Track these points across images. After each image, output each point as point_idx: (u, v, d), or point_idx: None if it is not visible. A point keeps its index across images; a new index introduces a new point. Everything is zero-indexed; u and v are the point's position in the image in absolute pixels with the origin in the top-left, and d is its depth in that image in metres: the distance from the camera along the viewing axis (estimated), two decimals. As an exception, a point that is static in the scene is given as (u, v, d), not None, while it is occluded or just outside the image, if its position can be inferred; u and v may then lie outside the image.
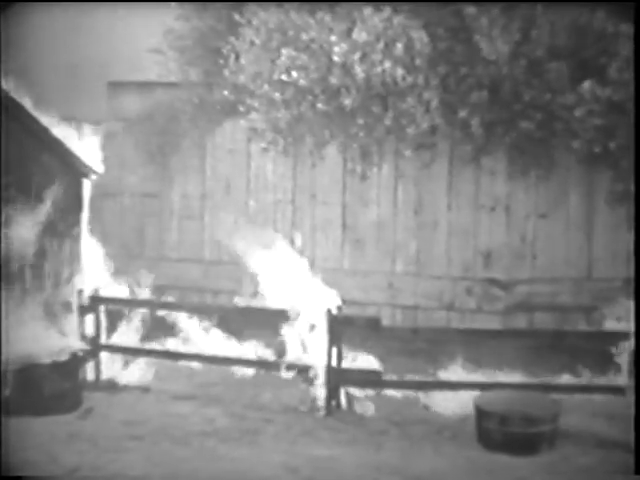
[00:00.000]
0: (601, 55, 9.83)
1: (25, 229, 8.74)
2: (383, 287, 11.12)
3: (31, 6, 12.44)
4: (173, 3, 11.77)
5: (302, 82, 10.57)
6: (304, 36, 10.62)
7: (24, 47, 12.26)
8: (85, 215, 9.98)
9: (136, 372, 9.50)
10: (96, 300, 9.51)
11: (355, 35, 10.34)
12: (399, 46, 10.19)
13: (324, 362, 8.61)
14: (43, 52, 12.44)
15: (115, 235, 11.41)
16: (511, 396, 7.89)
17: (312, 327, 8.82)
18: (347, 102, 10.47)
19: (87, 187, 10.02)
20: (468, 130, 10.21)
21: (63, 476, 6.68)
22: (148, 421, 8.22)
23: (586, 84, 9.62)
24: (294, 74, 10.57)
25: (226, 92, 11.30)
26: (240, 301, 9.54)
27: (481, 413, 7.72)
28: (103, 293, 9.58)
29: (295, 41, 10.66)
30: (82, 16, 12.39)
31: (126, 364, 9.62)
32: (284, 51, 10.63)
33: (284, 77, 10.64)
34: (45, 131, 9.29)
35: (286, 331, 8.95)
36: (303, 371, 8.76)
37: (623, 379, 7.83)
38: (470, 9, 9.97)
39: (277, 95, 10.80)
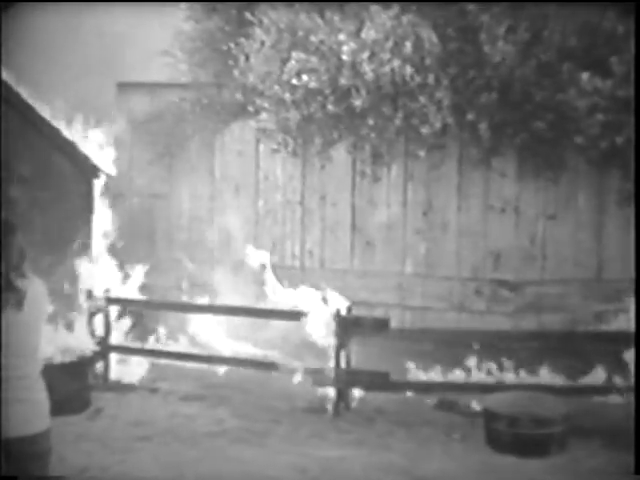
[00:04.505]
0: (612, 54, 9.79)
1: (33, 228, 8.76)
2: (392, 288, 11.10)
3: (35, 6, 12.47)
4: (182, 4, 11.80)
5: (313, 84, 10.57)
6: (313, 38, 10.63)
7: (30, 47, 12.29)
8: (95, 215, 10.01)
9: (143, 373, 9.52)
10: (105, 301, 9.52)
11: (364, 34, 10.34)
12: (408, 45, 10.17)
13: (333, 363, 8.60)
14: (49, 52, 12.46)
15: (124, 235, 11.43)
16: (520, 397, 7.86)
17: (321, 328, 8.81)
18: (357, 103, 10.47)
19: (97, 188, 10.05)
20: (477, 132, 10.20)
21: (71, 476, 6.69)
22: (156, 422, 8.23)
23: (584, 75, 9.57)
24: (304, 77, 10.57)
25: (238, 95, 11.31)
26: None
27: (490, 414, 7.69)
28: (112, 294, 9.60)
29: (305, 43, 10.66)
30: (88, 16, 12.41)
31: (134, 365, 9.65)
32: (294, 54, 10.63)
33: (295, 81, 10.65)
34: (55, 132, 9.33)
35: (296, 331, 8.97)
36: (312, 372, 8.75)
37: (631, 379, 7.80)
38: (471, 7, 9.96)
39: (287, 96, 10.80)
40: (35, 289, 4.40)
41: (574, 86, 9.61)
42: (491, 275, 10.72)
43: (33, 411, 4.44)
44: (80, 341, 8.95)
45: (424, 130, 10.32)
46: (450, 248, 10.90)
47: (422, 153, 10.62)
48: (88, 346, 9.00)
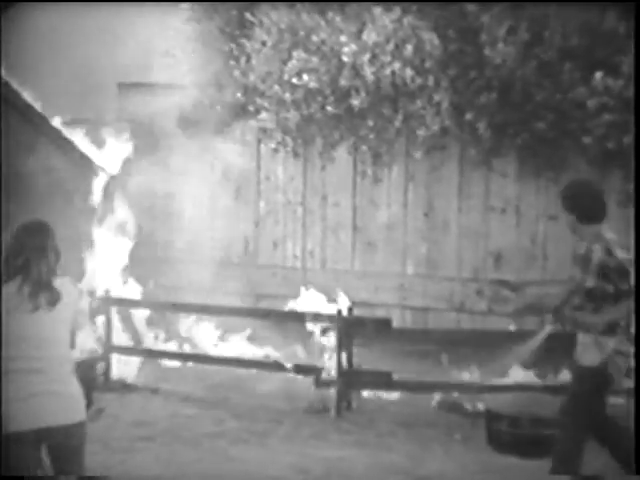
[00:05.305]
0: (614, 54, 9.79)
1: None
2: (393, 289, 11.10)
3: (35, 6, 12.46)
4: (183, 4, 11.79)
5: (313, 84, 10.57)
6: (315, 38, 10.63)
7: (30, 47, 12.28)
8: (96, 215, 10.02)
9: (145, 373, 9.52)
10: (107, 301, 9.51)
11: (365, 36, 10.34)
12: (409, 47, 10.18)
13: (335, 363, 8.59)
14: (49, 52, 12.45)
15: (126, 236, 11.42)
16: (521, 398, 7.86)
17: (323, 328, 8.81)
18: (356, 103, 10.47)
19: (97, 187, 10.06)
20: (477, 133, 10.19)
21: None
22: (157, 422, 8.23)
23: (597, 75, 9.58)
24: (305, 77, 10.57)
25: (239, 94, 11.31)
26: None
27: (491, 415, 7.69)
28: (114, 294, 9.59)
29: (306, 43, 10.66)
30: (88, 16, 12.40)
31: (136, 366, 9.64)
32: (295, 54, 10.63)
33: (295, 80, 10.65)
34: (55, 132, 9.33)
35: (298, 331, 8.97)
36: (313, 372, 8.74)
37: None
38: (471, 8, 9.97)
39: (287, 95, 10.80)
40: (67, 288, 4.57)
41: (585, 85, 9.60)
42: (492, 275, 10.71)
43: (68, 403, 4.54)
44: (82, 341, 8.94)
45: (420, 132, 10.33)
46: (451, 248, 10.90)
47: (418, 155, 10.62)
48: (90, 346, 9.00)
